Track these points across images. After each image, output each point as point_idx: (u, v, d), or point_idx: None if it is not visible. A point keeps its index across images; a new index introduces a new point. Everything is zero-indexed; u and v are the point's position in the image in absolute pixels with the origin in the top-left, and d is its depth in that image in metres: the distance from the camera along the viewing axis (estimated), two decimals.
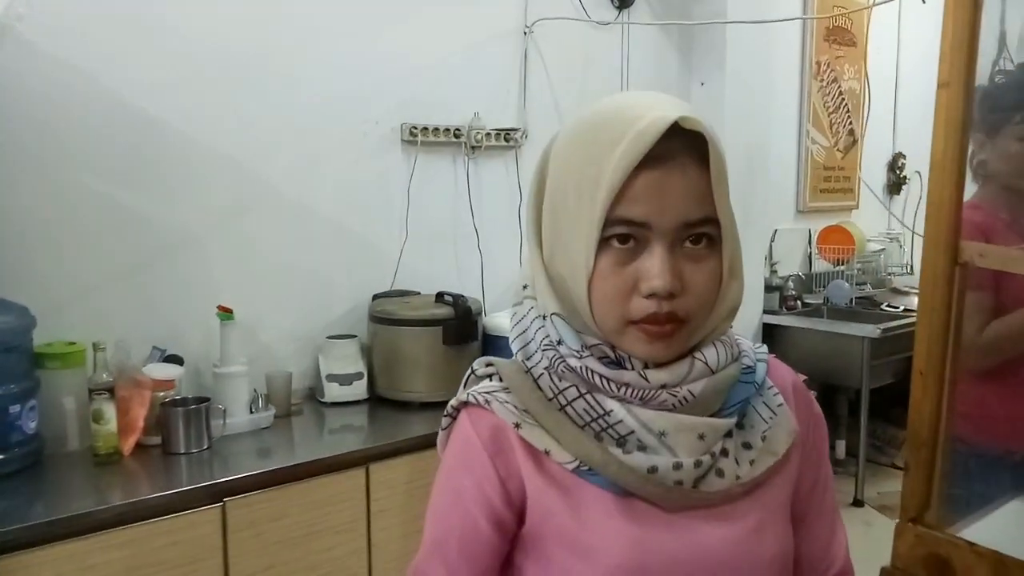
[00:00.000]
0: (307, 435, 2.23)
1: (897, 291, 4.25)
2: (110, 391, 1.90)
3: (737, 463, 0.73)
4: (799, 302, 3.95)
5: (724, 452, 0.73)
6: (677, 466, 0.70)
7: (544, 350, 0.75)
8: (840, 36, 4.30)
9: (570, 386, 0.74)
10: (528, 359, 0.77)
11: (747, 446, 0.75)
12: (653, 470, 0.70)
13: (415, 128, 2.69)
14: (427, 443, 2.15)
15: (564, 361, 0.73)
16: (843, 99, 4.38)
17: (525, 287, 0.80)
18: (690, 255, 0.70)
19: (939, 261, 1.24)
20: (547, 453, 0.73)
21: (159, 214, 2.23)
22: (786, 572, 0.78)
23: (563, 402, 0.74)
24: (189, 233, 2.29)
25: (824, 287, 4.09)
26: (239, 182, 2.37)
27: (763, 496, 0.76)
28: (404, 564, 2.15)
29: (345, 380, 2.43)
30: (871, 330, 3.42)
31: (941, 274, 1.24)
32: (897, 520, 1.33)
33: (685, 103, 0.71)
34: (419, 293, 2.68)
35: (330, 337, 2.51)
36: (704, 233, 0.70)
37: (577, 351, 0.73)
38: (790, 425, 0.78)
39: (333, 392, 2.42)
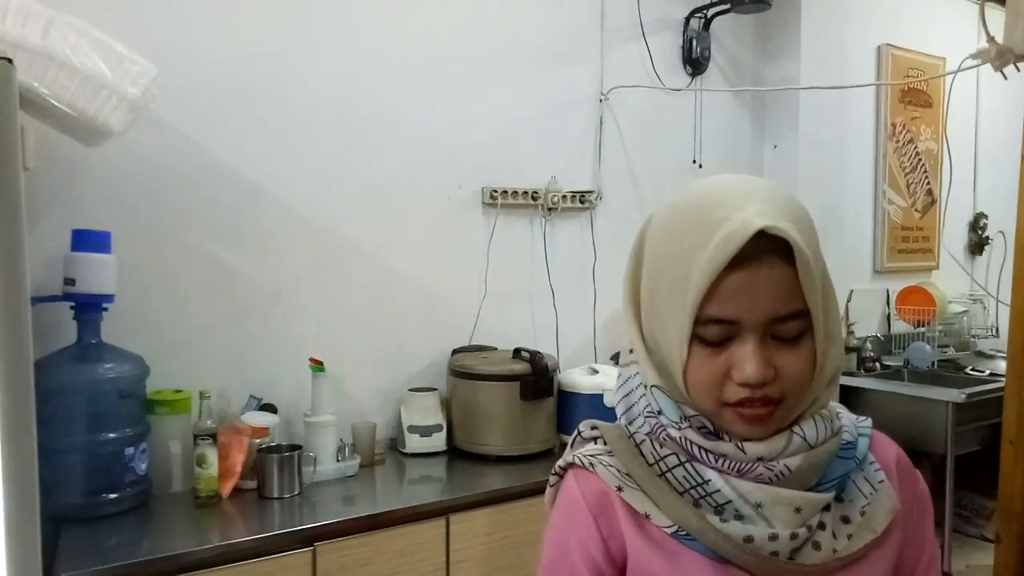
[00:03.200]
0: (389, 484, 2.30)
1: (982, 355, 4.10)
2: (213, 437, 2.04)
3: (834, 537, 0.75)
4: (878, 364, 3.86)
5: (821, 525, 0.75)
6: (773, 537, 0.73)
7: (647, 417, 0.80)
8: (916, 97, 4.28)
9: (670, 454, 0.78)
10: (630, 423, 0.83)
11: (845, 520, 0.77)
12: (749, 539, 0.73)
13: (495, 191, 2.81)
14: (504, 496, 2.21)
15: (665, 430, 0.78)
16: (920, 159, 4.34)
17: (631, 351, 0.85)
18: (782, 343, 0.73)
19: None
20: (647, 516, 0.78)
21: (254, 271, 2.39)
22: None
23: (663, 469, 0.78)
24: (280, 290, 2.45)
25: (903, 349, 3.99)
26: (327, 242, 2.52)
27: (860, 571, 0.77)
28: None
29: (425, 432, 2.52)
30: (956, 395, 3.31)
31: None
32: None
33: (772, 192, 0.74)
34: (496, 349, 2.76)
35: (411, 390, 2.61)
36: (795, 321, 0.73)
37: (676, 422, 0.78)
38: (891, 502, 0.80)
39: (414, 443, 2.50)
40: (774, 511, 0.74)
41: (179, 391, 2.16)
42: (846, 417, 0.83)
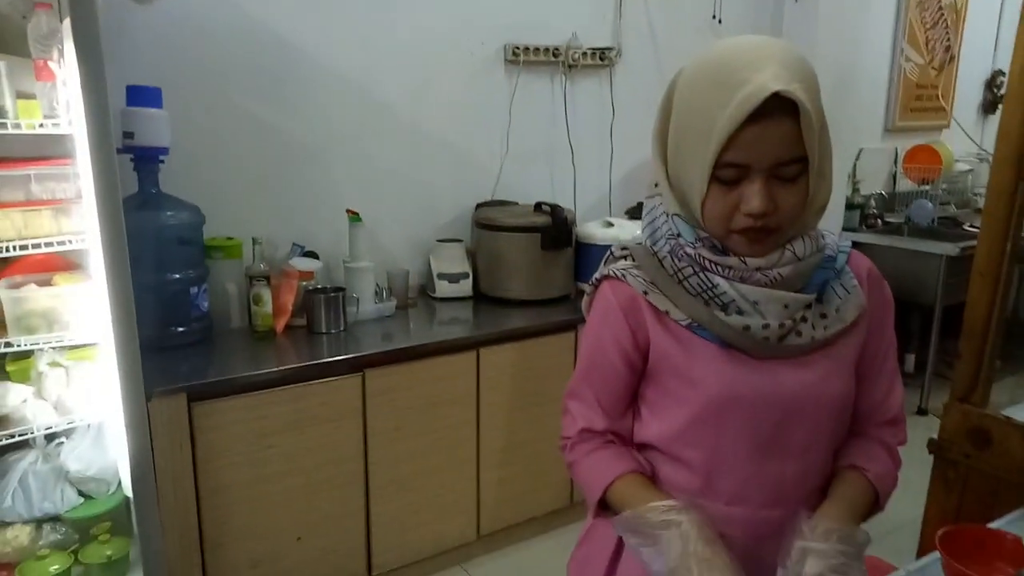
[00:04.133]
0: (423, 323, 2.55)
1: (981, 211, 4.25)
2: (266, 279, 2.25)
3: (813, 328, 0.96)
4: (880, 220, 4.02)
5: (804, 319, 0.95)
6: (766, 326, 0.93)
7: (668, 239, 0.99)
8: None
9: (687, 266, 0.97)
10: (654, 244, 1.01)
11: (823, 315, 0.97)
12: (747, 328, 0.93)
13: (517, 48, 2.87)
14: (528, 333, 2.46)
15: (683, 248, 0.97)
16: (942, 14, 4.28)
17: (656, 185, 1.02)
18: (783, 181, 0.89)
19: (1005, 176, 1.41)
20: (667, 313, 0.98)
21: (293, 128, 2.52)
22: (845, 412, 1.02)
23: (681, 277, 0.97)
24: (318, 145, 2.58)
25: (907, 206, 4.14)
26: (361, 101, 2.63)
27: (832, 353, 0.98)
28: (509, 434, 2.52)
29: (453, 279, 2.74)
30: (950, 248, 3.50)
31: (1006, 188, 1.41)
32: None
33: (785, 56, 0.87)
34: (517, 203, 2.93)
35: (439, 240, 2.80)
36: (795, 165, 0.89)
37: (692, 242, 0.96)
38: (860, 302, 0.99)
39: (443, 288, 2.73)
40: (767, 307, 0.93)
41: (231, 238, 2.36)
42: (831, 238, 1.01)
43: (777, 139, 0.86)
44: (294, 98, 2.50)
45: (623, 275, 1.01)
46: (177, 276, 2.14)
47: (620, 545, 1.06)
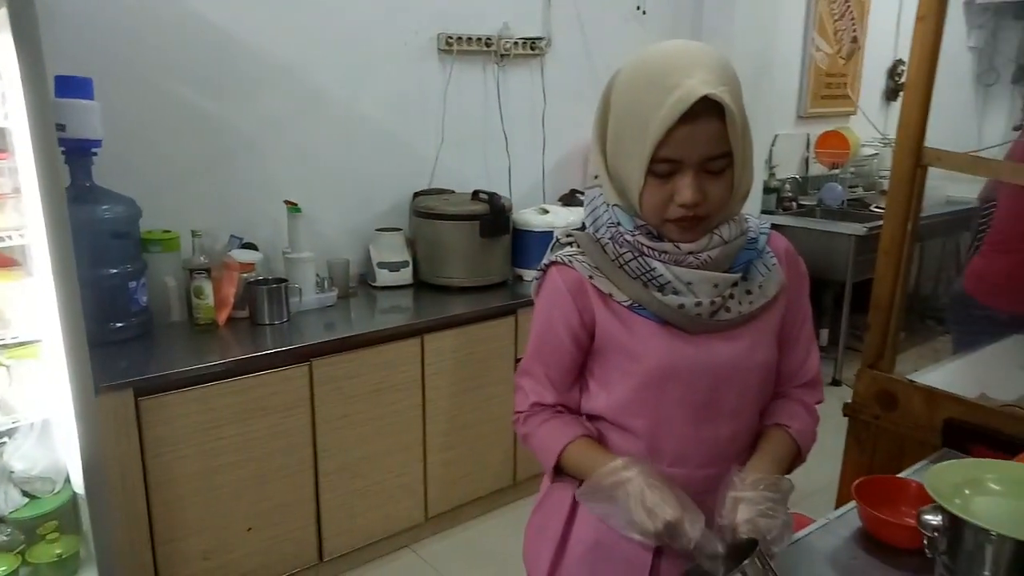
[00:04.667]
0: (366, 312, 2.58)
1: (886, 193, 4.55)
2: (207, 271, 2.24)
3: (740, 303, 1.07)
4: (795, 203, 4.26)
5: (731, 296, 1.06)
6: (698, 304, 1.04)
7: (608, 227, 1.08)
8: None
9: (626, 251, 1.06)
10: (596, 231, 1.10)
11: (748, 292, 1.08)
12: (682, 306, 1.04)
13: (451, 38, 2.92)
14: (469, 319, 2.52)
15: (622, 236, 1.06)
16: (848, 6, 4.53)
17: (595, 177, 1.11)
18: (711, 174, 0.99)
19: (905, 163, 1.56)
20: (611, 295, 1.07)
21: (230, 117, 2.51)
22: (769, 377, 1.14)
23: (622, 262, 1.06)
24: (255, 135, 2.57)
25: (819, 189, 4.39)
26: (298, 89, 2.63)
27: (757, 325, 1.10)
28: (453, 417, 2.60)
29: (393, 267, 2.78)
30: (858, 228, 3.75)
31: (906, 174, 1.56)
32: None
33: (711, 61, 0.96)
34: (454, 191, 2.98)
35: (378, 229, 2.83)
36: (722, 159, 0.99)
37: (631, 230, 1.06)
38: (779, 278, 1.12)
39: (384, 277, 2.76)
40: (699, 287, 1.03)
41: (168, 231, 2.34)
42: (753, 221, 1.13)
43: (706, 137, 0.96)
44: (228, 87, 2.49)
45: (569, 261, 1.09)
46: (114, 271, 2.11)
47: (574, 509, 1.15)
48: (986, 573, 0.93)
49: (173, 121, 2.39)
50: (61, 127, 1.98)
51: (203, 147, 2.47)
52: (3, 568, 1.68)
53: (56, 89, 1.99)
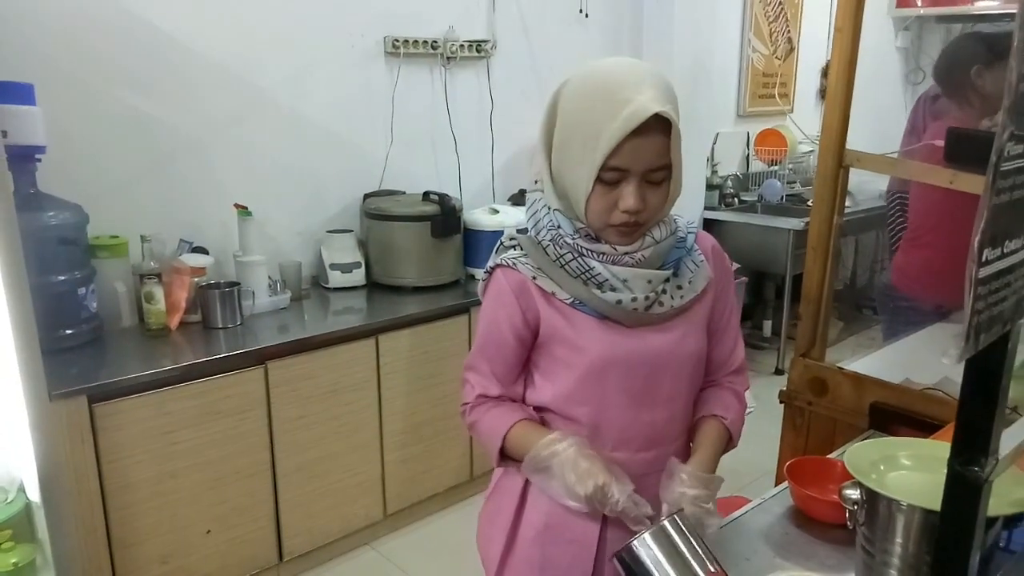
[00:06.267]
0: (320, 313, 2.60)
1: None
2: (158, 276, 2.24)
3: (672, 298, 1.15)
4: (736, 199, 4.41)
5: (664, 291, 1.15)
6: (634, 300, 1.12)
7: (549, 229, 1.15)
8: None
9: (567, 252, 1.13)
10: (538, 234, 1.17)
11: (679, 287, 1.17)
12: (619, 302, 1.12)
13: (397, 40, 2.95)
14: (423, 319, 2.57)
15: (563, 238, 1.13)
16: (782, 8, 4.71)
17: (537, 181, 1.18)
18: (651, 184, 1.08)
19: (829, 164, 1.67)
20: (553, 294, 1.14)
21: (173, 119, 2.50)
22: (700, 365, 1.23)
23: (563, 262, 1.14)
24: (200, 137, 2.57)
25: (759, 186, 4.55)
26: (241, 91, 2.63)
27: (688, 317, 1.19)
28: (409, 415, 2.64)
29: (346, 268, 2.81)
30: (796, 223, 3.91)
31: (830, 174, 1.67)
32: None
33: (658, 80, 1.04)
34: (405, 192, 3.02)
35: (330, 231, 2.86)
36: (662, 171, 1.08)
37: (571, 233, 1.13)
38: (707, 273, 1.20)
39: (336, 279, 2.79)
40: (635, 283, 1.11)
41: (116, 236, 2.32)
42: (681, 222, 1.22)
43: (652, 150, 1.04)
44: (171, 89, 2.48)
45: (513, 263, 1.16)
46: (63, 278, 2.10)
47: (524, 496, 1.22)
48: (898, 540, 1.03)
49: (115, 125, 2.38)
50: (3, 134, 1.97)
51: (149, 150, 2.46)
52: None
53: None
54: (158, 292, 2.25)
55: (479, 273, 3.06)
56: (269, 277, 2.59)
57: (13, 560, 1.73)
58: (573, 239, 1.12)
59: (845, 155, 1.64)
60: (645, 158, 1.04)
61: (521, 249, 1.18)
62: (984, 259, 0.57)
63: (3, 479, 1.79)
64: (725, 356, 1.27)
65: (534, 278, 1.14)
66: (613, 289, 1.11)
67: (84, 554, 1.89)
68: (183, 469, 2.07)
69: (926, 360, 2.00)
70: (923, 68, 5.73)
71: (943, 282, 2.08)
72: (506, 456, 1.18)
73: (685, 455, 1.20)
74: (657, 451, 1.16)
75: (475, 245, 2.96)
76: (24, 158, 2.04)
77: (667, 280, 1.15)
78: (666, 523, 1.00)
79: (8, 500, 1.82)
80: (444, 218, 2.78)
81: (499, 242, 1.24)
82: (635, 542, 0.99)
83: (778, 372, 4.19)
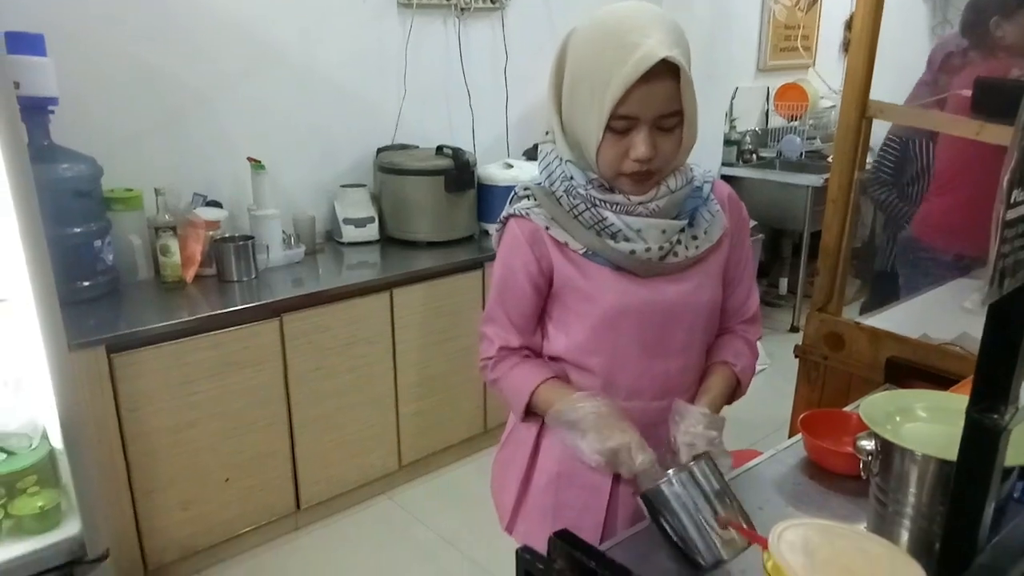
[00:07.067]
0: (333, 268, 2.61)
1: None
2: (173, 229, 2.25)
3: (687, 248, 1.14)
4: (755, 155, 4.34)
5: (679, 241, 1.13)
6: (648, 250, 1.11)
7: (562, 181, 1.13)
8: None
9: (580, 203, 1.12)
10: (551, 184, 1.16)
11: (694, 237, 1.15)
12: (633, 252, 1.11)
13: None
14: (436, 273, 2.57)
15: (575, 188, 1.12)
16: None
17: (547, 132, 1.17)
18: (663, 131, 1.05)
19: (851, 115, 1.63)
20: (566, 244, 1.14)
21: (185, 73, 2.47)
22: (714, 315, 1.22)
23: (576, 213, 1.13)
24: (212, 91, 2.54)
25: (778, 141, 4.47)
26: (253, 45, 2.60)
27: (702, 267, 1.18)
28: (423, 368, 2.65)
29: (359, 223, 2.80)
30: (815, 180, 3.85)
31: (852, 126, 1.63)
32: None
33: (667, 24, 1.02)
34: (418, 147, 2.99)
35: (343, 186, 2.84)
36: (673, 118, 1.05)
37: (584, 184, 1.12)
38: (723, 223, 1.19)
39: (350, 233, 2.79)
40: (649, 234, 1.10)
41: (130, 189, 2.33)
42: (698, 171, 1.19)
43: (661, 96, 1.02)
44: (182, 43, 2.45)
45: (527, 213, 1.15)
46: (79, 230, 2.11)
47: (538, 444, 1.23)
48: (912, 490, 1.03)
49: (127, 80, 2.36)
50: (16, 85, 1.96)
51: (162, 103, 2.44)
52: None
53: (8, 46, 1.95)
54: (173, 245, 2.25)
55: (493, 228, 3.06)
56: (283, 231, 2.59)
57: (39, 504, 1.77)
58: (586, 190, 1.11)
59: (868, 106, 1.60)
60: (655, 104, 1.02)
61: (534, 199, 1.17)
62: (1013, 200, 0.56)
63: (27, 426, 1.83)
64: (739, 304, 1.26)
65: (547, 228, 1.14)
66: (627, 239, 1.10)
67: (107, 499, 1.94)
68: (201, 419, 2.10)
69: (944, 316, 1.98)
70: (950, 20, 5.56)
71: (966, 230, 2.06)
72: (530, 413, 1.18)
73: None
74: (670, 400, 1.15)
75: (489, 200, 2.94)
76: (37, 110, 2.03)
77: (682, 230, 1.13)
78: (692, 466, 1.00)
79: (32, 446, 1.86)
80: (458, 173, 2.76)
81: (513, 193, 1.23)
82: (662, 484, 0.99)
83: (793, 329, 4.17)
